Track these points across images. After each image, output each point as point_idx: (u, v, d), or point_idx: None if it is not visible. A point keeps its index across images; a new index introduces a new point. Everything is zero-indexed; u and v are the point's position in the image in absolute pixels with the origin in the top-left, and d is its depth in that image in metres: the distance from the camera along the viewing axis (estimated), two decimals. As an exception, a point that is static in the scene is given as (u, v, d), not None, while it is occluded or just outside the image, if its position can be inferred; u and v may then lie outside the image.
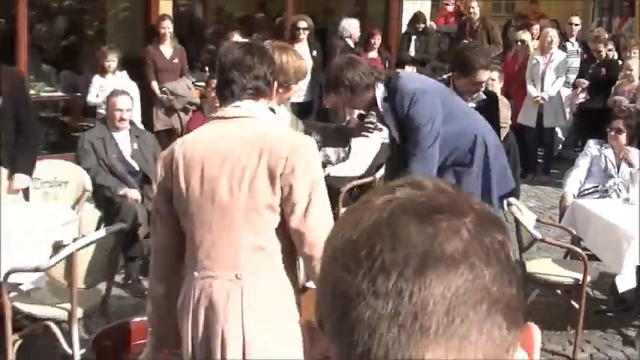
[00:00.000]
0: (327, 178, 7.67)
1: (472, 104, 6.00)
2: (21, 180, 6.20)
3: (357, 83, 4.90)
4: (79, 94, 10.72)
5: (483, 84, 5.87)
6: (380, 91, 4.97)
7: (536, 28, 12.89)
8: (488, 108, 6.06)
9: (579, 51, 12.52)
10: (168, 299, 3.31)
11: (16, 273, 4.98)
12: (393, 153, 5.52)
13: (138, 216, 6.70)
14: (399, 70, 7.93)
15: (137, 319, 3.89)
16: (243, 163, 3.12)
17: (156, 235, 3.40)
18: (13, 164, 6.18)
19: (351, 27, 10.89)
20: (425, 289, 0.88)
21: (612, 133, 7.50)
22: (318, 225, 3.08)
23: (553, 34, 11.51)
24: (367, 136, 5.38)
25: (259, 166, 3.10)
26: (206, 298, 3.13)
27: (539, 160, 11.88)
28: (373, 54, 11.31)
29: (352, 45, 10.92)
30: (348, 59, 5.22)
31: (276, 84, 3.49)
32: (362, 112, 5.33)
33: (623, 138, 7.43)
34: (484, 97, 5.90)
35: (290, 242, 3.18)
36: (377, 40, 11.53)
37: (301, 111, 10.46)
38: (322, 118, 10.75)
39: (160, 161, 3.35)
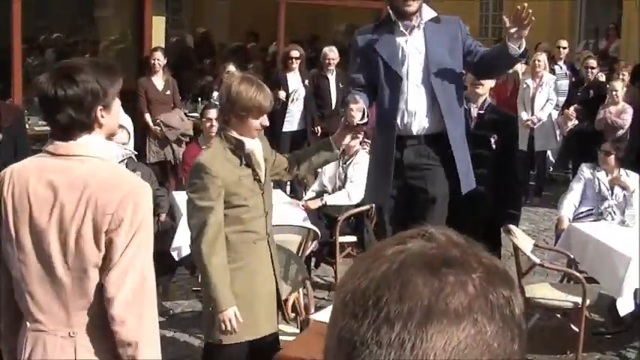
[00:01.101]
0: (324, 207, 7.75)
1: (478, 110, 6.11)
2: None
3: None
4: (72, 127, 10.73)
5: None
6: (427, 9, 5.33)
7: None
8: (508, 126, 6.27)
9: (567, 73, 12.61)
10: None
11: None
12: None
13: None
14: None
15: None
16: (69, 216, 2.91)
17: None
18: None
19: (327, 54, 10.94)
20: (426, 342, 0.90)
21: (602, 155, 7.56)
22: (120, 281, 2.91)
23: (542, 57, 11.60)
24: (354, 138, 5.25)
25: (84, 221, 2.90)
26: (39, 352, 2.99)
27: (530, 183, 11.95)
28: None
29: (326, 72, 10.92)
30: None
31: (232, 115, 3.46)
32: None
33: (612, 160, 7.49)
34: (490, 102, 6.14)
35: None
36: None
37: (294, 139, 10.51)
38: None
39: None
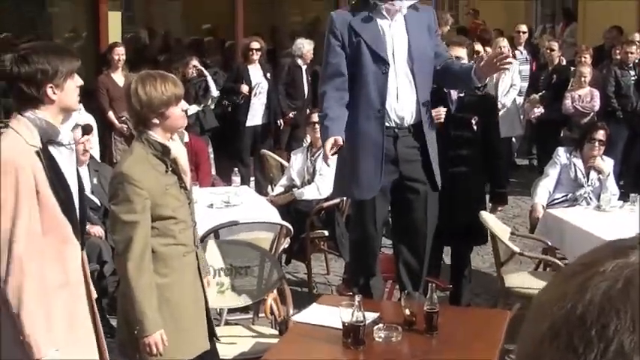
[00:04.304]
0: (294, 202, 7.56)
1: (458, 93, 6.01)
2: None
3: None
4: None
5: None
6: None
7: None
8: (487, 106, 6.22)
9: (528, 58, 12.57)
10: None
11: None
12: None
13: (103, 253, 6.48)
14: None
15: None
16: None
17: None
18: None
19: (304, 47, 10.77)
20: None
21: (595, 144, 7.27)
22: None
23: (505, 43, 11.51)
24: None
25: None
26: None
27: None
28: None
29: (301, 64, 10.78)
30: None
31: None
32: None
33: (602, 149, 7.32)
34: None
35: None
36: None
37: (256, 134, 10.32)
38: (282, 138, 10.65)
39: None
